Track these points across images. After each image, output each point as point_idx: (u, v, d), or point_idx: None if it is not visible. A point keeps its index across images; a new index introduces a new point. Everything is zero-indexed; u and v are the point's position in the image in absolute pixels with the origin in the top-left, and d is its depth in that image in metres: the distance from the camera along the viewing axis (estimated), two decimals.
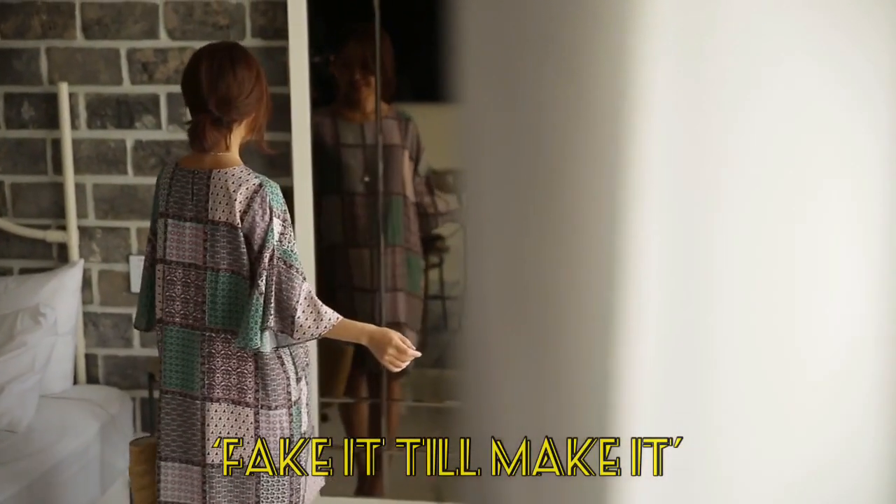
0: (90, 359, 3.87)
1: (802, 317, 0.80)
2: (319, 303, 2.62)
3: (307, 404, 2.74)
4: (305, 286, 2.61)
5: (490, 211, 0.80)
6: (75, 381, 3.81)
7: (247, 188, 2.59)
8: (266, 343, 2.57)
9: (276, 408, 2.64)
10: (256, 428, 2.63)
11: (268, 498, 2.65)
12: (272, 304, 2.57)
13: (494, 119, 0.79)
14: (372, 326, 2.71)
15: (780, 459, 0.81)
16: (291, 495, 2.68)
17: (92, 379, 3.87)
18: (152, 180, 3.75)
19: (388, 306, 3.72)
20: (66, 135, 3.70)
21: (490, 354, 0.83)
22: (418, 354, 2.69)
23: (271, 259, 2.57)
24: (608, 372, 0.75)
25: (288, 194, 3.52)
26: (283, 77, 3.56)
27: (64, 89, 3.67)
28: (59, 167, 3.76)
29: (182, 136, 3.71)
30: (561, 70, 0.74)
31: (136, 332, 3.84)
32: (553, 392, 0.78)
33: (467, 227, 0.84)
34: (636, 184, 0.73)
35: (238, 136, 2.69)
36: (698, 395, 0.78)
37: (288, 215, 2.63)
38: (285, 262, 2.58)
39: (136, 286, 3.80)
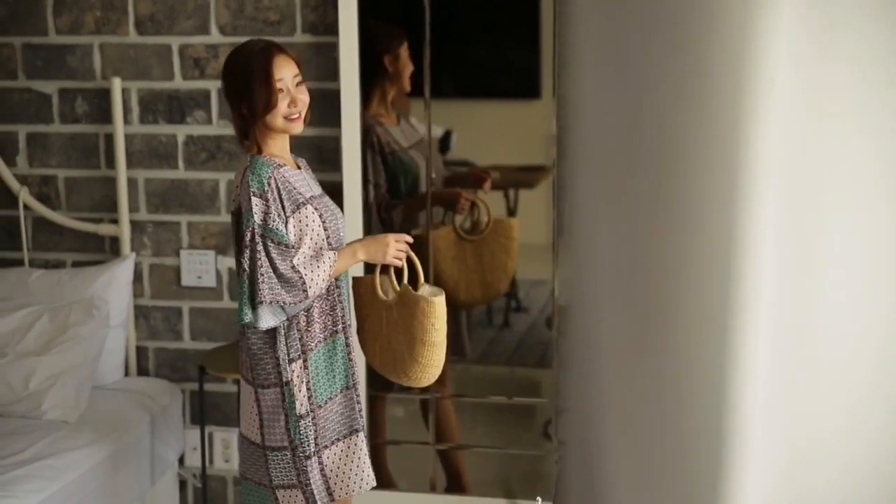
0: (141, 351, 3.91)
1: None
2: (317, 256, 2.70)
3: (308, 387, 2.74)
4: (302, 252, 2.68)
5: (598, 207, 0.80)
6: (126, 373, 3.85)
7: (240, 171, 2.75)
8: (262, 318, 2.66)
9: (267, 386, 2.74)
10: (258, 403, 2.75)
11: (276, 473, 2.75)
12: (260, 280, 2.64)
13: (604, 110, 0.79)
14: (359, 240, 2.86)
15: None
16: (299, 475, 2.73)
17: (143, 371, 3.92)
18: (203, 175, 3.78)
19: None
20: (119, 129, 3.74)
21: (599, 354, 0.83)
22: (410, 239, 2.85)
23: (252, 238, 2.65)
24: (723, 370, 0.75)
25: (337, 189, 3.55)
26: (333, 73, 3.59)
27: (117, 84, 3.71)
28: (111, 161, 3.81)
29: (232, 131, 3.74)
30: (678, 64, 0.74)
31: (185, 326, 3.88)
32: (665, 391, 0.78)
33: (573, 222, 0.84)
34: (752, 182, 0.73)
35: (256, 128, 2.74)
36: (812, 397, 0.78)
37: (277, 195, 2.67)
38: (272, 241, 2.66)
39: (186, 280, 3.85)
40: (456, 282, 3.64)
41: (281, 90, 2.71)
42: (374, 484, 2.85)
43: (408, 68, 3.60)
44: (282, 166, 2.74)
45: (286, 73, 2.73)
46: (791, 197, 0.74)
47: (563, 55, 0.83)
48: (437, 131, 3.86)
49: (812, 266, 0.76)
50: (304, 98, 2.76)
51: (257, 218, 2.64)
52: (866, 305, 0.79)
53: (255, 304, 2.64)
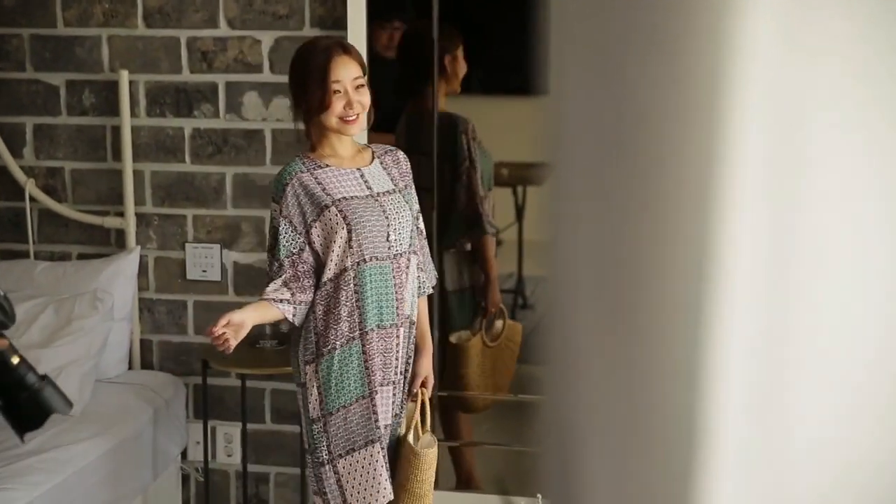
0: (145, 344, 3.91)
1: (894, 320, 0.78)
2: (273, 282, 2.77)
3: (319, 392, 2.74)
4: (274, 268, 2.75)
5: (578, 205, 0.80)
6: (130, 367, 3.85)
7: None
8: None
9: (297, 385, 2.81)
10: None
11: (310, 479, 2.82)
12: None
13: (585, 110, 0.79)
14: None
15: (865, 460, 0.80)
16: (317, 482, 2.77)
17: (146, 364, 3.91)
18: (209, 168, 3.78)
19: None
20: (126, 122, 3.73)
21: (576, 349, 0.82)
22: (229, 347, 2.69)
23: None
24: (697, 367, 0.75)
25: None
26: None
27: (124, 77, 3.71)
28: (118, 154, 3.80)
29: (239, 124, 3.74)
30: (656, 60, 0.73)
31: (190, 319, 3.87)
32: (640, 387, 0.78)
33: (554, 220, 0.84)
34: (730, 178, 0.73)
35: (311, 125, 2.80)
36: (786, 391, 0.77)
37: (296, 202, 2.72)
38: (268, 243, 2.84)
39: (191, 273, 3.84)
40: (477, 387, 3.80)
41: (338, 91, 2.70)
42: (391, 497, 2.79)
43: (463, 69, 3.60)
44: (319, 168, 2.75)
45: (345, 74, 2.71)
46: (772, 194, 0.74)
47: (545, 54, 0.83)
48: None
49: (796, 264, 0.75)
50: (362, 101, 2.73)
51: (272, 221, 2.79)
52: (857, 304, 0.78)
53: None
